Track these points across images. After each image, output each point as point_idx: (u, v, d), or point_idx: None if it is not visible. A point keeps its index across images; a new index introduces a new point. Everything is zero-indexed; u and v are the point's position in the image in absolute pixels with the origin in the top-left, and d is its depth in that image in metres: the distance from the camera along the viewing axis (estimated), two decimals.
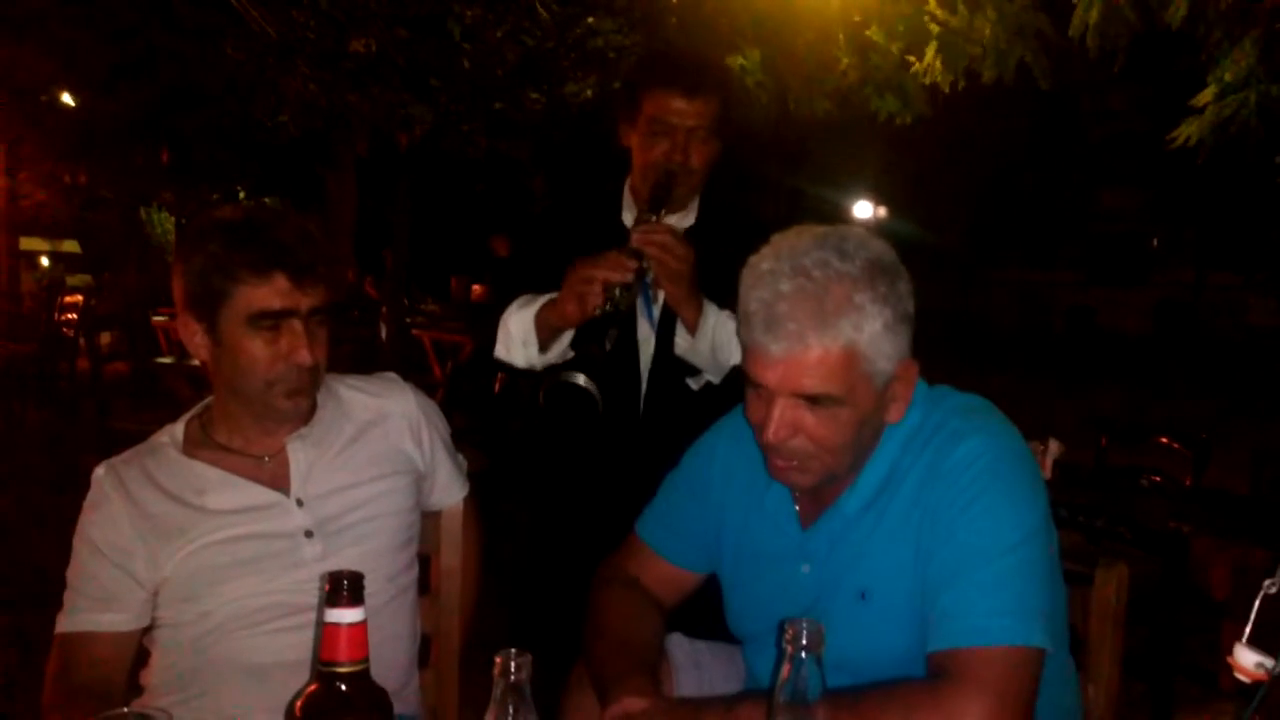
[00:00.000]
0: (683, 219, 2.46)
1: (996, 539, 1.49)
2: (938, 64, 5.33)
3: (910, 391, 1.58)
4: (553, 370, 2.08)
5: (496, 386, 2.76)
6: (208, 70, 7.56)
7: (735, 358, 2.18)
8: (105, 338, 11.12)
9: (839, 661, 1.57)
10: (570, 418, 2.04)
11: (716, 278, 2.15)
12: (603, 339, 2.08)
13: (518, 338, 2.28)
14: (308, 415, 1.88)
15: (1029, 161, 23.18)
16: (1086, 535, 2.51)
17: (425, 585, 2.10)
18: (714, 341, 2.28)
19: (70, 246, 23.33)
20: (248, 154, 12.40)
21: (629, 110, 2.45)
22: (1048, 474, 3.62)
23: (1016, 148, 22.09)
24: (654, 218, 2.28)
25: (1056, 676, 1.63)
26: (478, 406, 2.79)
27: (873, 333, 1.47)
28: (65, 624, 1.75)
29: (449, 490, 2.09)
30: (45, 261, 22.78)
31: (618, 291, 2.12)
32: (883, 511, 1.59)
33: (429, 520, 2.08)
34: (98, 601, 1.74)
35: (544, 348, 2.28)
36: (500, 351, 2.30)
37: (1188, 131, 5.07)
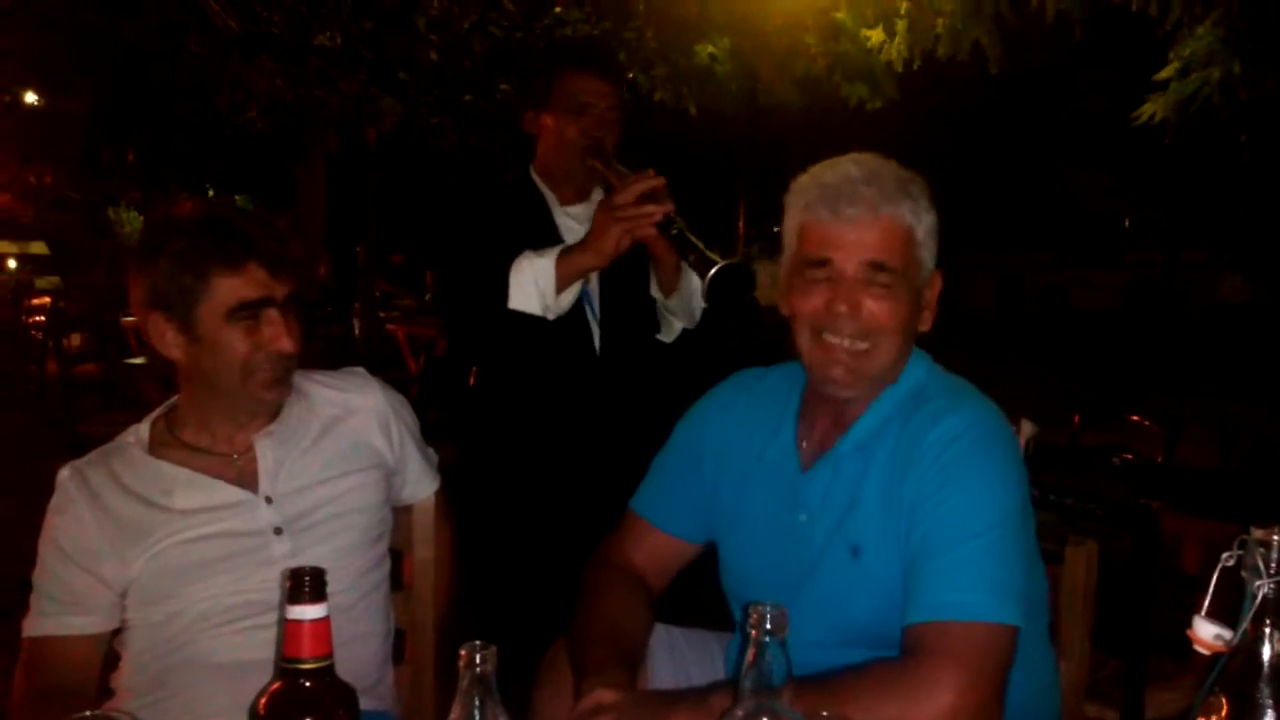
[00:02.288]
0: (590, 207, 2.54)
1: (974, 517, 1.51)
2: (901, 43, 5.36)
3: (935, 301, 1.72)
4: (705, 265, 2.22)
5: (471, 379, 2.77)
6: (172, 67, 7.48)
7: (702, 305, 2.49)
8: (74, 339, 10.99)
9: (836, 623, 1.59)
10: (736, 293, 2.21)
11: (630, 259, 2.42)
12: (689, 251, 2.26)
13: (537, 284, 2.37)
14: (276, 411, 1.86)
15: (1000, 145, 23.30)
16: (1061, 514, 2.52)
17: (399, 580, 2.09)
18: (690, 288, 2.49)
19: (38, 248, 23.09)
20: (216, 151, 12.30)
21: (540, 96, 2.57)
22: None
23: (987, 131, 22.22)
24: (625, 171, 2.42)
25: (1033, 655, 1.65)
26: (453, 400, 2.79)
27: (926, 225, 1.65)
28: (32, 628, 1.73)
29: (419, 485, 2.07)
30: (12, 264, 22.54)
31: (665, 220, 2.28)
32: (870, 458, 1.62)
33: (401, 515, 2.07)
34: (65, 605, 1.72)
35: (559, 292, 2.40)
36: (515, 301, 2.38)
37: (1151, 109, 5.10)
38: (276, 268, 1.74)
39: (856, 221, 1.60)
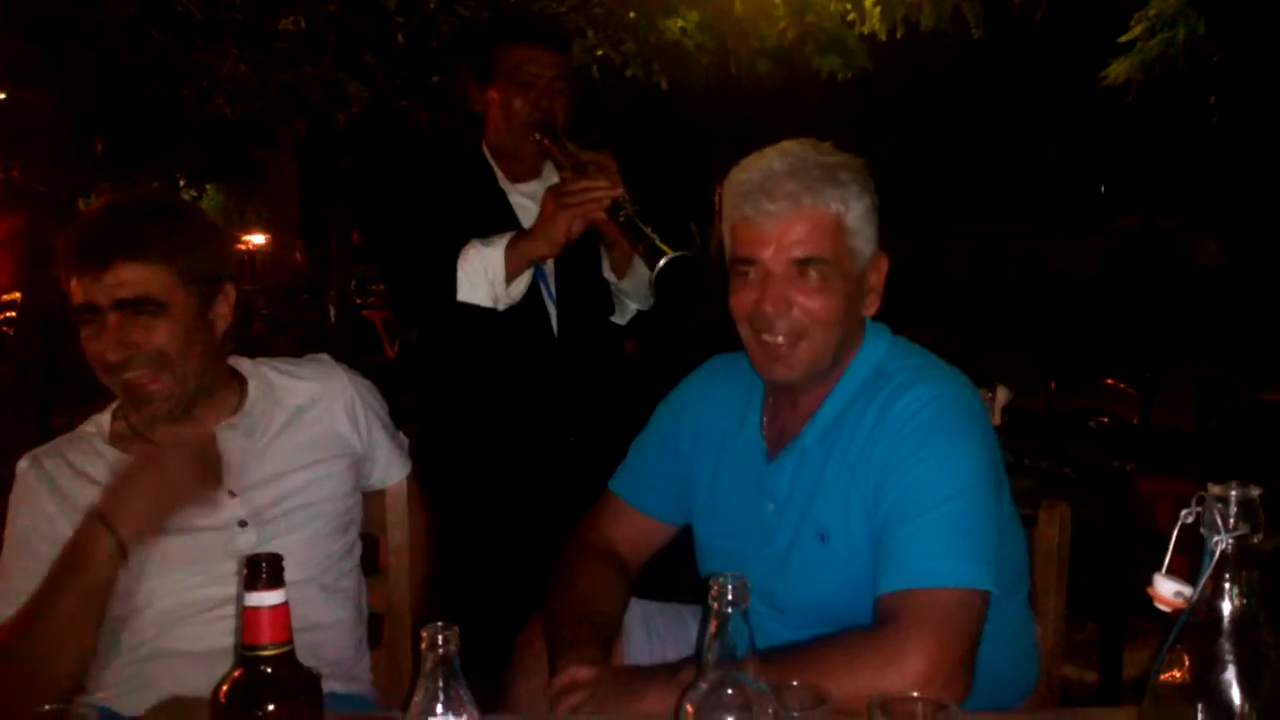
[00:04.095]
0: (545, 183, 2.51)
1: (941, 485, 1.52)
2: (875, 14, 5.34)
3: (882, 284, 1.69)
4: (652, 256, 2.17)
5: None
6: (134, 56, 7.37)
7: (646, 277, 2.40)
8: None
9: (805, 607, 1.60)
10: (683, 287, 2.16)
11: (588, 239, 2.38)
12: (637, 240, 2.20)
13: (486, 275, 2.32)
14: (237, 405, 1.84)
15: (975, 113, 23.30)
16: (1040, 479, 2.53)
17: (374, 565, 2.08)
18: (645, 269, 2.43)
19: None
20: (184, 140, 12.16)
21: (484, 71, 2.53)
22: (997, 420, 3.65)
23: (962, 100, 22.21)
24: (574, 148, 2.39)
25: (1011, 621, 1.66)
26: (426, 384, 2.77)
27: (857, 211, 1.61)
28: None
29: (390, 470, 2.06)
30: None
31: (613, 204, 2.23)
32: (832, 447, 1.63)
33: (374, 500, 2.06)
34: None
35: (509, 282, 2.35)
36: (464, 293, 2.33)
37: (1117, 70, 5.11)
38: (95, 268, 1.63)
39: (779, 217, 1.59)
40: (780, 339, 1.62)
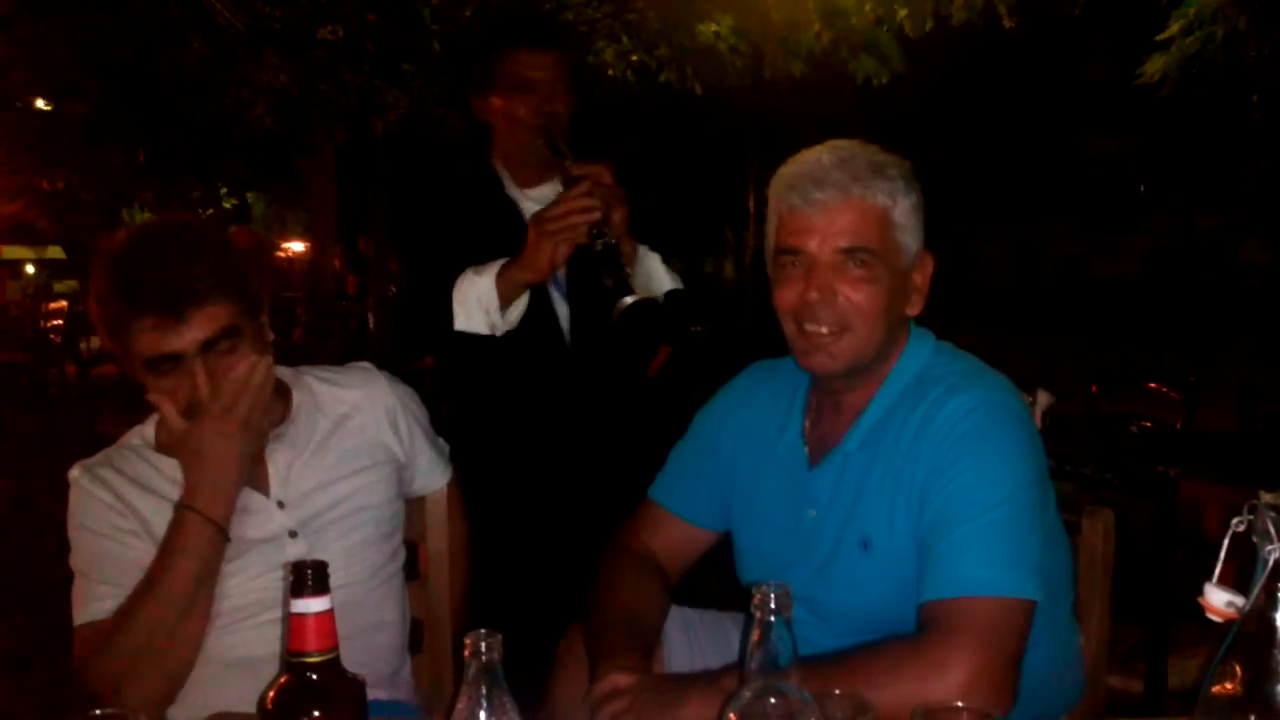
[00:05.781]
0: (554, 186, 2.49)
1: (987, 492, 1.50)
2: (903, 12, 5.32)
3: (927, 285, 1.68)
4: (611, 300, 2.14)
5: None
6: (177, 67, 7.48)
7: (666, 285, 2.43)
8: (93, 342, 11.09)
9: (847, 614, 1.59)
10: (647, 331, 2.12)
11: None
12: (616, 270, 2.17)
13: (480, 304, 2.32)
14: (282, 415, 1.85)
15: (1014, 115, 23.11)
16: (1082, 484, 2.50)
17: (415, 571, 2.09)
18: (647, 271, 2.42)
19: (55, 253, 23.25)
20: (225, 149, 12.32)
21: (484, 80, 2.51)
22: (1038, 425, 3.61)
23: (1001, 102, 22.04)
24: (571, 159, 2.35)
25: (1055, 630, 1.64)
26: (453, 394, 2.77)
27: (904, 207, 1.61)
28: (86, 614, 1.69)
29: (431, 476, 2.07)
30: (30, 269, 22.71)
31: (593, 231, 2.20)
32: (876, 453, 1.61)
33: (415, 506, 2.07)
34: (117, 586, 1.68)
35: (504, 309, 2.34)
36: (460, 323, 2.33)
37: (1154, 67, 5.04)
38: (179, 312, 1.62)
39: (828, 206, 1.58)
40: (824, 329, 1.61)
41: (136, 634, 1.63)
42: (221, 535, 1.66)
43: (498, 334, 2.34)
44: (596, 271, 2.46)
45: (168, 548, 1.65)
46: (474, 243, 2.38)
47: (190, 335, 1.64)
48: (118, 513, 1.73)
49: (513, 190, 2.57)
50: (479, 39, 2.90)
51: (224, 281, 1.68)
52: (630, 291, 2.09)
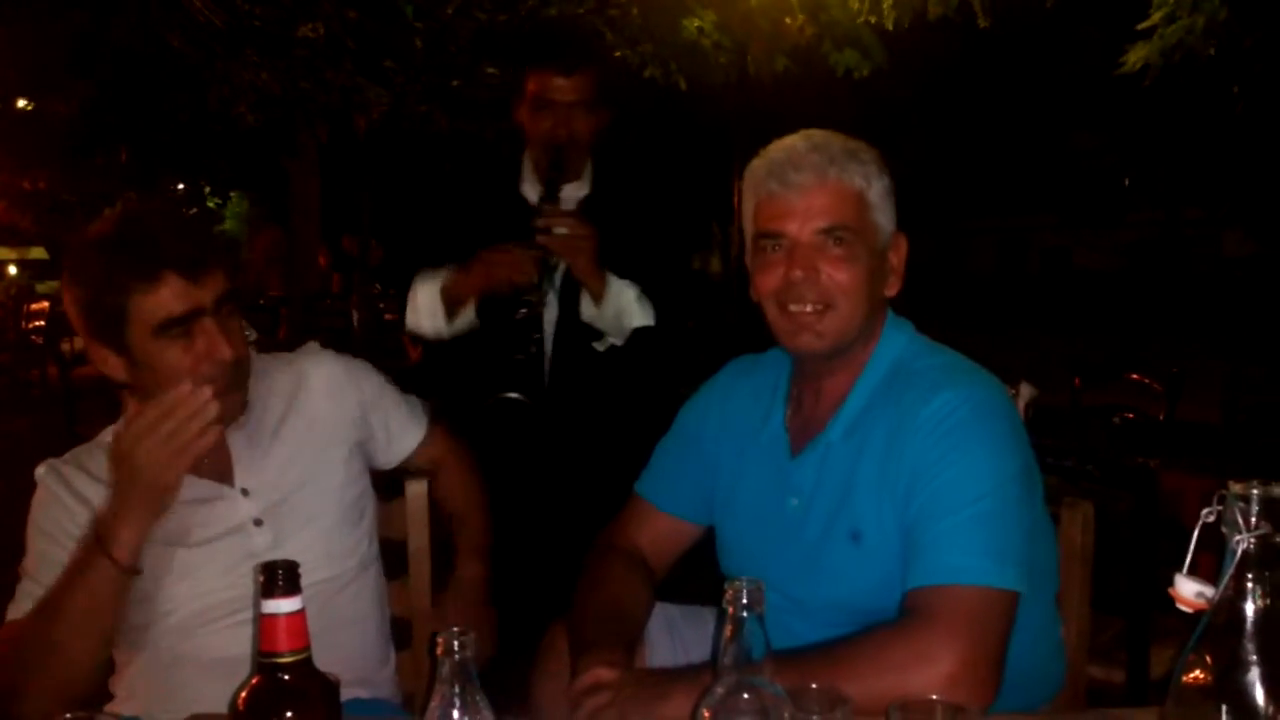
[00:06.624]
0: (579, 188, 2.57)
1: (973, 486, 1.51)
2: (888, 5, 5.32)
3: (902, 265, 1.72)
4: (486, 391, 2.30)
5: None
6: (157, 65, 7.44)
7: (636, 321, 2.48)
8: (75, 343, 11.02)
9: (832, 605, 1.60)
10: (509, 428, 2.27)
11: (614, 240, 2.42)
12: (524, 344, 2.36)
13: (426, 309, 2.40)
14: (242, 406, 1.84)
15: (999, 107, 23.16)
16: (1064, 477, 2.51)
17: (399, 569, 2.08)
18: (618, 307, 2.47)
19: (38, 253, 23.10)
20: (208, 148, 12.25)
21: (518, 89, 2.58)
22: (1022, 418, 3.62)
23: (985, 94, 22.08)
24: (551, 204, 2.44)
25: (1038, 621, 1.64)
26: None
27: (878, 189, 1.66)
28: (12, 612, 1.69)
29: (405, 435, 2.06)
30: (13, 270, 22.55)
31: (521, 291, 2.36)
32: (862, 444, 1.62)
33: (394, 505, 2.06)
34: (44, 589, 1.67)
35: (450, 317, 2.41)
36: (410, 322, 2.41)
37: (1136, 56, 5.05)
38: (196, 272, 1.65)
39: (806, 188, 1.62)
40: (809, 308, 1.63)
41: (31, 643, 1.62)
42: (125, 575, 1.61)
43: (445, 338, 2.41)
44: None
45: (70, 571, 1.63)
46: (463, 235, 2.43)
47: (208, 292, 1.66)
48: (71, 515, 1.72)
49: (530, 189, 2.60)
50: (508, 44, 3.05)
51: (223, 249, 1.74)
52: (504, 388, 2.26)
